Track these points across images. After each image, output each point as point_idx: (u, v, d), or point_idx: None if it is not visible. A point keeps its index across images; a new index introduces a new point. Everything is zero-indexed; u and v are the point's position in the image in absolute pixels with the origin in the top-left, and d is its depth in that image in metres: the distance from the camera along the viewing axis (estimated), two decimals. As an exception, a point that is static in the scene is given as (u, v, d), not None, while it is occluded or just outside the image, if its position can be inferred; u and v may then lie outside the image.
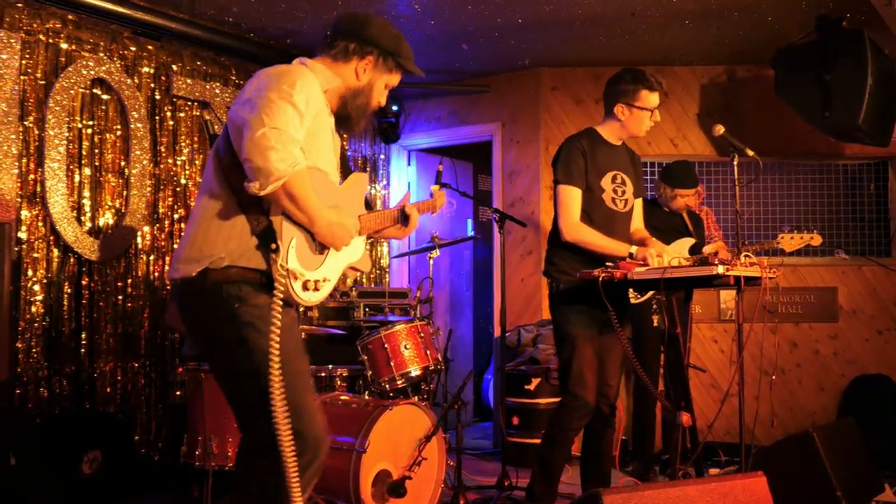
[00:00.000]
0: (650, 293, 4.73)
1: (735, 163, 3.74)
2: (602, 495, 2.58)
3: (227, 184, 2.36)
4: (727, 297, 6.22)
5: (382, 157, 7.03)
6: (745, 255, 3.46)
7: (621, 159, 3.84)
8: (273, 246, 2.30)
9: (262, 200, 2.30)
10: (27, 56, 4.48)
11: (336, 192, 2.59)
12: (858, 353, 6.16)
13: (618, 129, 3.77)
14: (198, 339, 2.55)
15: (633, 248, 3.52)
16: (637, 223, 3.93)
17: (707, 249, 4.96)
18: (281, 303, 2.28)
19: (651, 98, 3.67)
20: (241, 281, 2.33)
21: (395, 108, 6.59)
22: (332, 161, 2.60)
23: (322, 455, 2.38)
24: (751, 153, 3.68)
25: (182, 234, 5.21)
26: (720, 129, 3.67)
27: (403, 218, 2.88)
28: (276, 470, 2.24)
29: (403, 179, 7.13)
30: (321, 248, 2.48)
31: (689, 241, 5.06)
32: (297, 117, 2.28)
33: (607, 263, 3.46)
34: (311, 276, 2.44)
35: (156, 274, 5.14)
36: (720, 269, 3.19)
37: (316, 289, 2.46)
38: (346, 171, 2.77)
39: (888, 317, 6.20)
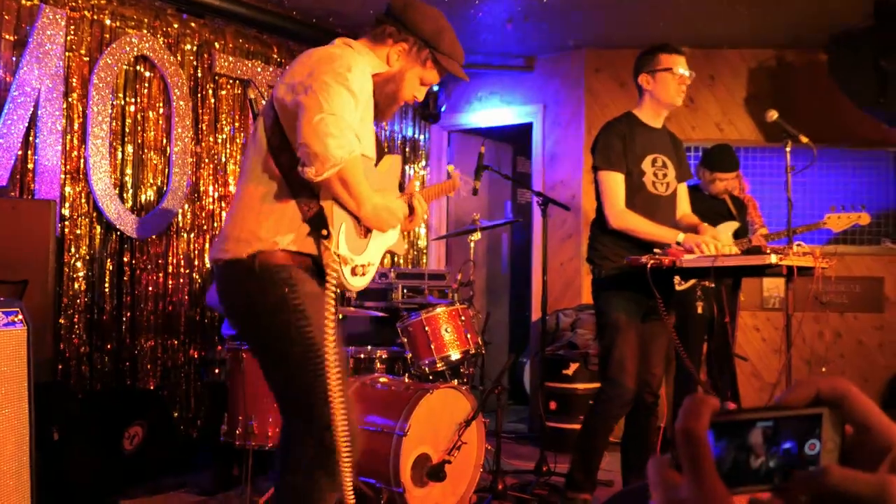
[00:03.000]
0: (693, 280, 4.65)
1: (788, 149, 3.65)
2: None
3: (278, 165, 2.32)
4: (770, 284, 6.11)
5: (422, 137, 6.99)
6: (798, 245, 3.38)
7: (661, 142, 3.75)
8: (325, 232, 2.27)
9: (313, 184, 2.26)
10: (72, 32, 4.49)
11: (378, 177, 2.56)
12: (905, 345, 6.05)
13: (651, 106, 3.67)
14: (241, 322, 2.48)
15: (681, 236, 3.45)
16: (684, 207, 3.85)
17: (763, 233, 4.88)
18: (335, 291, 2.25)
19: (671, 59, 3.54)
20: (291, 265, 2.31)
21: (435, 88, 6.53)
22: (373, 146, 2.56)
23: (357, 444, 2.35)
24: (805, 140, 3.58)
25: (226, 213, 5.25)
26: (774, 115, 3.58)
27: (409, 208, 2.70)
28: (320, 458, 2.22)
29: (443, 160, 7.08)
30: (365, 231, 2.47)
31: (733, 226, 4.97)
32: (353, 102, 2.23)
33: (655, 250, 3.40)
34: (359, 260, 2.42)
35: (196, 252, 5.15)
36: (773, 259, 3.11)
37: (363, 273, 2.45)
38: (379, 155, 2.73)
39: (936, 308, 6.07)
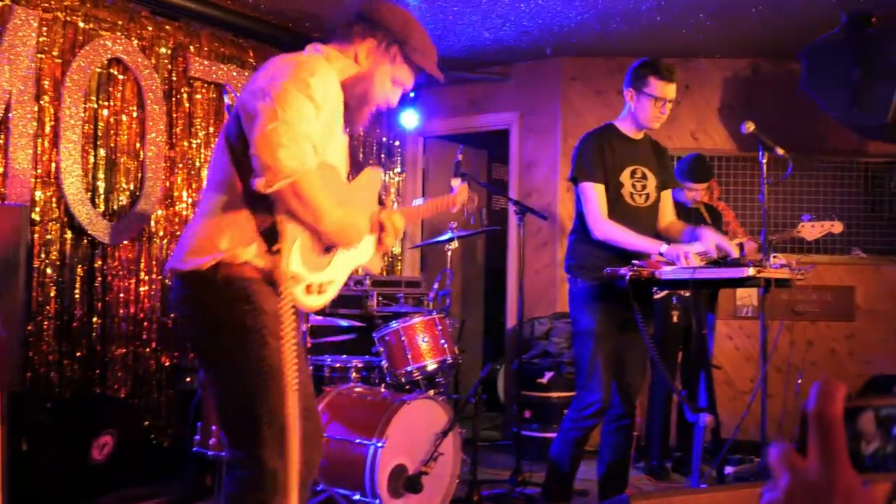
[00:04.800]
0: (667, 290, 4.66)
1: (764, 160, 3.67)
2: (630, 501, 2.52)
3: (239, 173, 2.20)
4: (743, 293, 6.14)
5: (397, 143, 6.94)
6: (774, 257, 3.40)
7: (642, 153, 3.75)
8: (275, 248, 2.15)
9: (268, 196, 2.13)
10: (45, 34, 4.40)
11: (347, 189, 2.46)
12: (875, 354, 6.09)
13: (630, 120, 3.70)
14: (194, 335, 2.34)
15: (665, 247, 3.44)
16: (668, 215, 3.84)
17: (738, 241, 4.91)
18: (291, 310, 2.15)
19: (658, 86, 3.56)
20: (251, 279, 2.18)
21: (411, 94, 6.49)
22: (343, 156, 2.48)
23: (314, 474, 2.30)
24: (781, 151, 3.60)
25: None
26: (751, 127, 3.60)
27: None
28: (266, 488, 2.13)
29: (419, 166, 7.05)
30: (327, 248, 2.35)
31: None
32: (313, 111, 2.13)
33: (633, 262, 3.40)
34: (315, 278, 2.31)
35: (169, 258, 5.07)
36: (751, 271, 3.12)
37: (319, 292, 2.34)
38: (354, 166, 2.61)
39: (906, 317, 6.13)
